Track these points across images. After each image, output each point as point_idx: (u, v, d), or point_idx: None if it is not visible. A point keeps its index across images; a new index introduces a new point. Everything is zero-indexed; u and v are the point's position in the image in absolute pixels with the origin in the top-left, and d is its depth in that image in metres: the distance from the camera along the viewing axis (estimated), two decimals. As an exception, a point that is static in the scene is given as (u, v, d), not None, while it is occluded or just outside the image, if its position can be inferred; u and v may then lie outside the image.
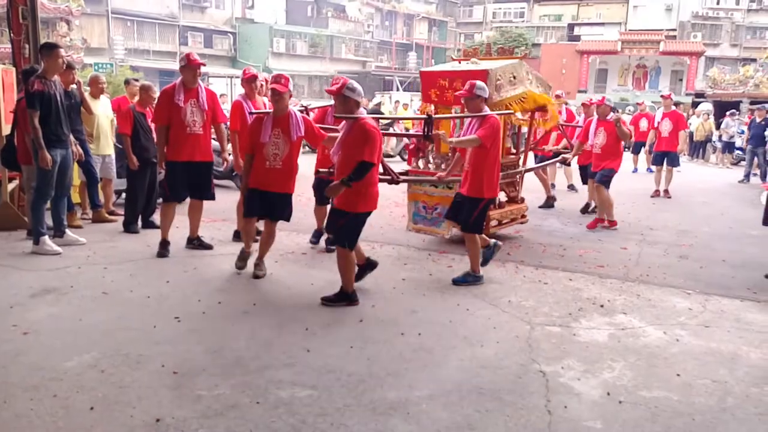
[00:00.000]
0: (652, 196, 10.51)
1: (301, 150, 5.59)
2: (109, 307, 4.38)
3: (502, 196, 7.03)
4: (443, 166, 6.29)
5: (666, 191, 10.61)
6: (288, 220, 5.21)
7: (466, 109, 5.29)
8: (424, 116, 5.59)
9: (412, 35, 49.19)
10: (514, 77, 6.54)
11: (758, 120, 13.20)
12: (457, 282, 5.19)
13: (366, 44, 44.65)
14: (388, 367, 3.53)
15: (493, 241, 5.51)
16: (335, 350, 3.76)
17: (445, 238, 6.65)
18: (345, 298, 4.58)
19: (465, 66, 6.61)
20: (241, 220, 6.52)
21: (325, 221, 4.96)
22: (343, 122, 4.58)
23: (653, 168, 11.20)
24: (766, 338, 4.18)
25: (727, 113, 16.73)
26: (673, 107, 11.07)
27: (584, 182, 9.25)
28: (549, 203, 9.26)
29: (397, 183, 5.80)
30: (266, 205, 5.09)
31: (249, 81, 6.31)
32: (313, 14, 42.59)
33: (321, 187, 5.82)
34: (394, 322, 4.28)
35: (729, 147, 16.83)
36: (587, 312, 4.63)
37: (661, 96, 11.43)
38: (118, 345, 3.70)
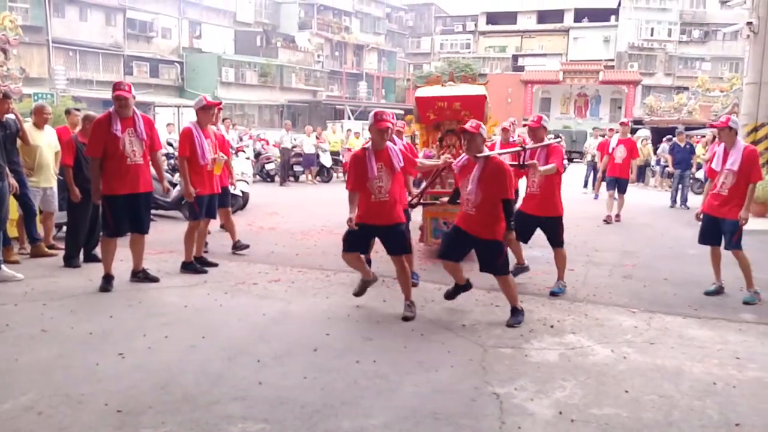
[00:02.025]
0: (605, 221, 10.53)
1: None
2: (48, 345, 4.19)
3: None
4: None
5: (618, 216, 10.69)
6: (406, 251, 5.15)
7: (531, 139, 6.08)
8: (519, 148, 6.12)
9: (362, 65, 49.83)
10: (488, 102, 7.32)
11: (681, 144, 13.54)
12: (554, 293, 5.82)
13: (316, 74, 44.93)
14: (342, 396, 3.48)
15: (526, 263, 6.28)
16: (288, 381, 3.69)
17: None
18: (521, 313, 4.97)
19: (461, 90, 7.33)
20: (190, 250, 6.41)
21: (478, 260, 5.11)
22: (463, 158, 4.95)
23: (598, 197, 11.43)
24: (708, 353, 4.33)
25: (664, 139, 17.44)
26: (628, 135, 11.17)
27: None
28: None
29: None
30: (371, 237, 5.30)
31: (209, 109, 6.24)
32: (262, 44, 42.66)
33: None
34: (349, 349, 4.24)
35: (667, 171, 17.49)
36: (538, 333, 4.70)
37: (620, 123, 11.41)
38: (57, 385, 3.53)
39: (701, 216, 5.98)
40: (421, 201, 6.21)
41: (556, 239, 5.95)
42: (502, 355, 4.22)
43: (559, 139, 6.32)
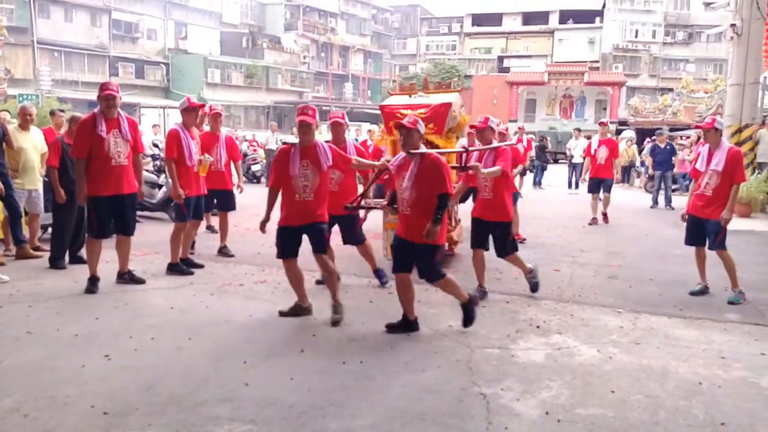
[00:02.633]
0: (590, 224, 10.46)
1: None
2: (34, 347, 4.15)
3: None
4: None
5: (604, 215, 10.61)
6: (324, 251, 4.94)
7: (479, 141, 5.79)
8: (461, 149, 5.90)
9: (348, 66, 49.83)
10: (456, 109, 7.01)
11: (662, 145, 13.64)
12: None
13: (302, 75, 44.86)
14: (329, 397, 3.48)
15: (530, 265, 5.91)
16: (275, 382, 3.68)
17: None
18: (471, 314, 4.76)
19: (427, 99, 7.01)
20: (176, 252, 6.37)
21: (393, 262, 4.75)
22: (399, 157, 4.70)
23: (584, 180, 11.14)
24: (693, 353, 4.37)
25: (646, 140, 17.60)
26: (609, 135, 11.06)
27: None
28: None
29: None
30: (297, 239, 4.93)
31: (193, 110, 6.22)
32: (248, 45, 42.52)
33: (339, 226, 5.84)
34: (336, 350, 4.24)
35: (648, 173, 17.65)
36: (524, 333, 4.72)
37: (599, 123, 11.26)
38: (43, 387, 3.50)
39: (686, 216, 6.04)
40: (362, 205, 5.64)
41: (504, 248, 5.70)
42: (488, 355, 4.24)
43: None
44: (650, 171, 13.98)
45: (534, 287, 5.81)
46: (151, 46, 37.49)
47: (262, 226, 4.90)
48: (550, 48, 48.75)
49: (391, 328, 4.69)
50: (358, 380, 3.75)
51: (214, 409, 3.30)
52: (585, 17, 47.44)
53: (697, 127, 5.88)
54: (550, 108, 41.47)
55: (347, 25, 51.05)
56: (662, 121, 31.68)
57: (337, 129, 5.79)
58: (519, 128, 14.47)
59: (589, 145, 11.06)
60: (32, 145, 6.96)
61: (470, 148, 5.88)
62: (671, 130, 26.12)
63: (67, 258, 6.57)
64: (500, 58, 49.91)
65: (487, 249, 5.75)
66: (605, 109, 39.55)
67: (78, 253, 6.65)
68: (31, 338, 4.32)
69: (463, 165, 5.55)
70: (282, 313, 4.98)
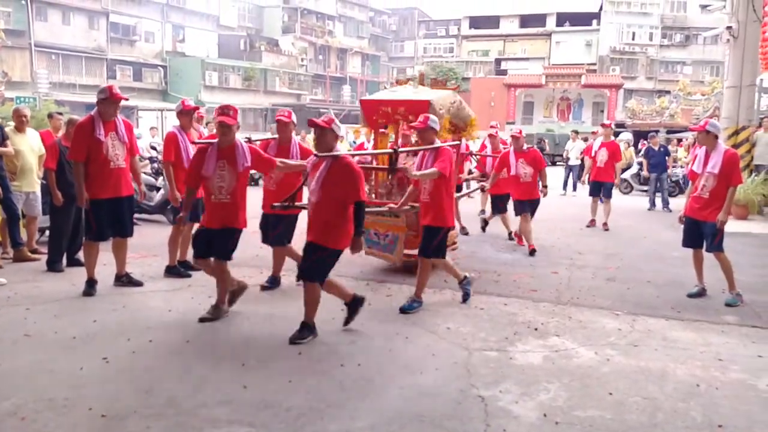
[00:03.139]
0: (588, 226, 10.28)
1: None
2: (32, 349, 4.15)
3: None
4: (391, 196, 6.48)
5: (605, 224, 10.14)
6: (226, 258, 4.85)
7: (419, 141, 5.49)
8: (390, 150, 5.59)
9: (345, 69, 49.87)
10: (442, 107, 6.65)
11: (655, 148, 13.60)
12: (404, 310, 5.23)
13: (300, 77, 44.86)
14: (327, 399, 3.48)
15: (464, 274, 5.66)
16: (273, 385, 3.68)
17: (396, 265, 6.62)
18: (310, 330, 4.47)
19: (407, 94, 6.78)
20: (174, 254, 6.37)
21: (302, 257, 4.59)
22: (311, 159, 4.55)
23: (584, 182, 11.05)
24: (691, 355, 4.38)
25: (642, 142, 17.63)
26: (612, 137, 10.71)
27: (496, 212, 9.23)
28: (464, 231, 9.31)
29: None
30: (210, 240, 4.83)
31: (187, 113, 6.22)
32: (246, 48, 42.54)
33: (270, 225, 5.76)
34: (334, 352, 4.24)
35: (642, 175, 17.67)
36: (522, 335, 4.73)
37: (601, 125, 10.98)
38: (41, 390, 3.50)
39: (683, 219, 6.05)
40: (289, 204, 5.21)
41: (426, 248, 5.36)
42: (486, 357, 4.25)
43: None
44: (645, 173, 13.99)
45: (465, 296, 5.62)
46: (149, 48, 37.46)
47: (181, 219, 5.03)
48: (548, 50, 48.85)
49: (347, 320, 4.74)
50: (357, 382, 3.75)
51: (213, 412, 3.30)
52: (582, 20, 47.56)
53: (690, 129, 5.89)
54: (547, 110, 41.49)
55: (345, 28, 51.09)
56: (659, 123, 31.72)
57: (283, 128, 5.61)
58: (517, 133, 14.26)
59: (590, 146, 10.90)
60: (29, 147, 6.95)
61: (400, 149, 5.69)
62: (668, 132, 26.21)
63: (64, 261, 6.56)
64: (498, 61, 50.01)
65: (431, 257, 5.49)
66: (602, 111, 39.59)
67: (75, 255, 6.64)
68: (29, 341, 4.32)
69: (391, 167, 5.40)
70: (203, 319, 4.82)
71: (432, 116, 5.35)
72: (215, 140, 4.80)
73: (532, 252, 7.94)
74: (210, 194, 4.73)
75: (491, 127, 11.31)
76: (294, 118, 5.70)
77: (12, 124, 6.99)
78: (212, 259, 4.89)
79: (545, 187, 8.26)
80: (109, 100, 5.46)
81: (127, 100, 5.65)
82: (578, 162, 16.78)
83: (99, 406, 3.31)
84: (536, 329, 4.88)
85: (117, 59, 35.36)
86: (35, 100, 23.49)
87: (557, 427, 3.25)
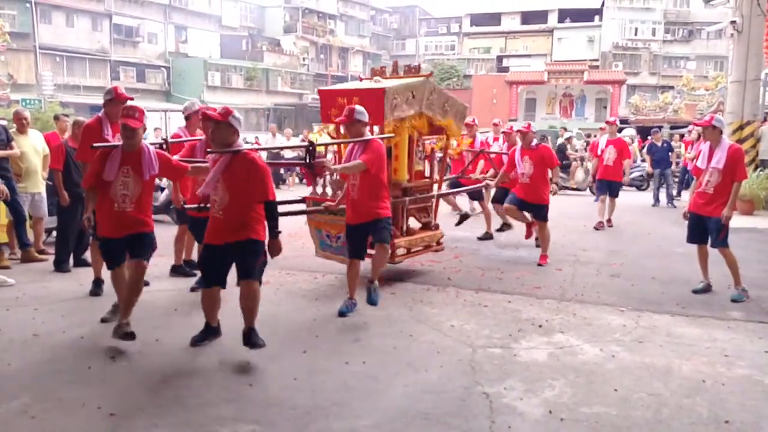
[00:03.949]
0: (595, 228, 9.84)
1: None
2: (40, 349, 4.19)
3: (413, 223, 6.81)
4: (339, 193, 5.95)
5: (609, 220, 10.01)
6: (146, 258, 4.44)
7: (348, 134, 5.23)
8: (306, 144, 5.12)
9: (347, 68, 49.82)
10: (413, 96, 6.10)
11: (658, 144, 13.58)
12: (342, 313, 5.07)
13: (302, 77, 44.87)
14: (333, 397, 3.50)
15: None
16: (278, 383, 3.70)
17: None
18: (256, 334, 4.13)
19: (364, 84, 6.34)
20: (180, 254, 6.40)
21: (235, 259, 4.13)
22: (210, 156, 4.17)
23: (598, 197, 10.54)
24: (696, 351, 4.37)
25: (649, 138, 17.59)
26: (618, 135, 10.44)
27: (494, 201, 8.48)
28: (486, 235, 8.89)
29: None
30: (122, 248, 4.41)
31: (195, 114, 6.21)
32: (247, 48, 42.60)
33: (194, 226, 5.50)
34: (338, 351, 4.26)
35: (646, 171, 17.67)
36: (527, 332, 4.73)
37: (607, 122, 10.72)
38: (50, 389, 3.53)
39: (687, 215, 6.05)
40: (203, 205, 4.58)
41: (380, 239, 5.04)
42: (491, 354, 4.26)
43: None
44: (649, 169, 13.94)
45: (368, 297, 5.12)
46: (152, 50, 37.52)
47: (87, 222, 4.40)
48: (550, 47, 48.70)
49: (196, 340, 4.30)
50: (361, 380, 3.77)
51: (219, 410, 3.32)
52: (584, 16, 47.41)
53: (695, 124, 5.84)
54: (550, 107, 41.42)
55: (346, 27, 51.07)
56: (663, 119, 31.64)
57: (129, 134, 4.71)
58: (510, 128, 13.81)
59: (596, 145, 10.52)
60: (32, 148, 7.01)
61: (319, 143, 5.35)
62: (672, 127, 26.14)
63: (71, 261, 6.60)
64: (499, 58, 49.89)
65: (362, 258, 5.23)
66: (606, 107, 39.51)
67: (82, 256, 6.68)
68: (38, 340, 4.36)
69: (309, 162, 4.91)
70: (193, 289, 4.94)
71: (359, 107, 5.03)
72: (121, 144, 4.37)
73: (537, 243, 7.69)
74: (112, 203, 4.29)
75: (494, 125, 11.29)
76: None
77: (14, 126, 7.02)
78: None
79: (555, 184, 7.67)
80: (115, 100, 5.48)
81: (132, 99, 5.66)
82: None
83: (107, 404, 3.34)
84: (540, 326, 4.89)
85: (120, 60, 35.43)
86: (40, 102, 23.58)
87: (562, 423, 3.26)
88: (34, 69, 30.29)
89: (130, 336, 4.17)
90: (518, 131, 7.62)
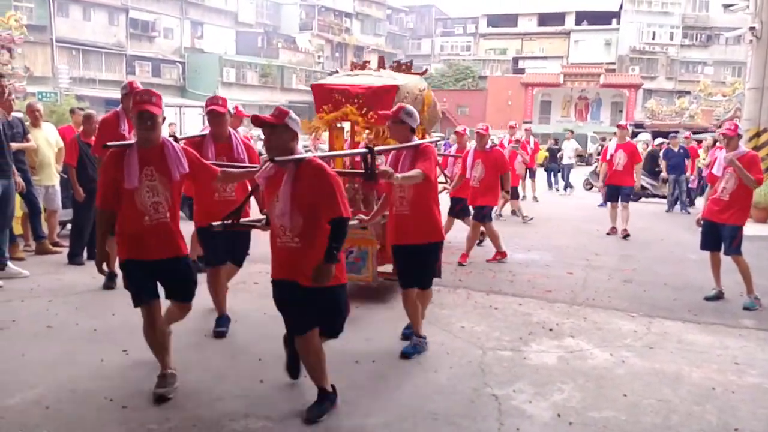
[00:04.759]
0: (608, 234, 9.66)
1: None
2: (54, 341, 4.24)
3: None
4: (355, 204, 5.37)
5: (624, 230, 9.44)
6: (191, 298, 3.65)
7: (390, 134, 4.37)
8: (364, 149, 4.03)
9: (362, 66, 49.86)
10: (417, 97, 5.69)
11: (675, 149, 13.44)
12: (408, 354, 4.19)
13: (317, 75, 44.94)
14: (343, 396, 3.51)
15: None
16: (289, 380, 3.73)
17: (372, 287, 5.76)
18: (330, 400, 3.37)
19: (368, 79, 5.59)
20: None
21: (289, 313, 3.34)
22: (267, 165, 3.23)
23: (607, 204, 10.27)
24: (707, 358, 4.35)
25: (655, 143, 17.46)
26: (628, 139, 10.12)
27: (450, 214, 8.07)
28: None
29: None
30: (153, 276, 3.50)
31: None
32: (263, 45, 42.76)
33: (211, 246, 4.50)
34: (348, 350, 4.26)
35: (661, 177, 17.56)
36: (537, 336, 4.73)
37: (617, 126, 10.33)
38: (63, 380, 3.58)
39: (701, 222, 6.01)
40: (233, 222, 3.72)
41: (424, 276, 4.25)
42: (500, 357, 4.26)
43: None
44: (664, 175, 13.83)
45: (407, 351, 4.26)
46: (168, 45, 37.79)
47: (100, 267, 3.62)
48: (566, 49, 48.49)
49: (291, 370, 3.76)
50: (371, 379, 3.79)
51: (230, 405, 3.36)
52: (601, 19, 47.16)
53: (722, 134, 5.71)
54: (565, 110, 41.28)
55: (362, 26, 51.15)
56: (679, 124, 31.40)
57: (217, 120, 4.44)
58: (526, 130, 13.74)
59: (606, 149, 10.30)
60: (45, 141, 7.09)
61: (378, 147, 4.26)
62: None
63: (85, 254, 6.67)
64: (515, 60, 49.75)
65: (410, 285, 4.29)
66: (621, 111, 39.30)
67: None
68: (52, 332, 4.41)
69: (369, 171, 3.80)
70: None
71: (408, 107, 4.20)
72: (132, 142, 3.49)
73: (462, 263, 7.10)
74: (141, 216, 3.36)
75: (510, 127, 11.27)
76: (231, 107, 4.55)
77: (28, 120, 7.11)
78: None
79: (507, 192, 7.59)
80: (130, 95, 5.52)
81: (246, 116, 5.66)
82: (571, 161, 16.77)
83: (119, 397, 3.39)
84: (551, 330, 4.88)
85: (136, 55, 35.71)
86: (56, 95, 23.79)
87: (571, 427, 3.26)
88: (51, 62, 30.58)
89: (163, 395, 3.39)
90: (476, 133, 7.26)
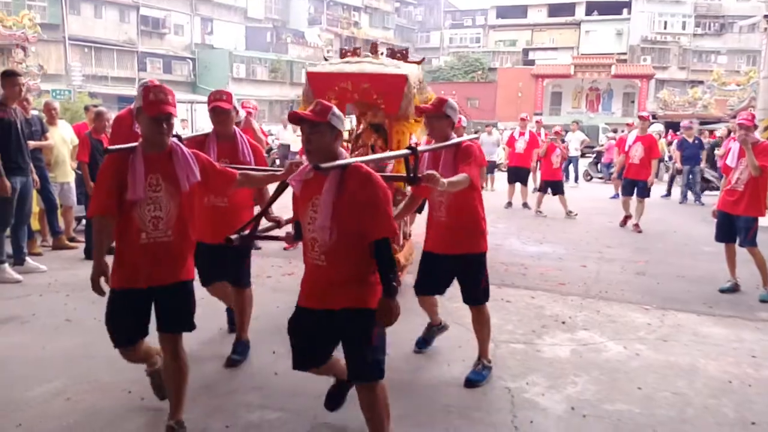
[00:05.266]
0: (621, 224, 9.50)
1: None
2: (73, 334, 4.31)
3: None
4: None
5: (636, 225, 9.28)
6: (191, 329, 3.11)
7: (429, 130, 3.87)
8: (407, 150, 3.27)
9: (372, 60, 49.79)
10: (414, 84, 5.31)
11: (689, 140, 13.33)
12: (474, 381, 3.74)
13: (326, 69, 44.97)
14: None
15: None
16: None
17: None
18: None
19: (370, 67, 5.26)
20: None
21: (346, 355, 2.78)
22: (305, 169, 2.75)
23: (620, 195, 10.05)
24: (723, 351, 4.33)
25: (678, 133, 17.32)
26: (649, 131, 9.65)
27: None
28: None
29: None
30: (147, 307, 2.98)
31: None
32: (272, 40, 42.80)
33: (216, 257, 3.86)
34: (362, 343, 4.30)
35: (675, 167, 17.44)
36: (550, 329, 4.73)
37: (639, 116, 9.89)
38: (83, 373, 3.64)
39: (716, 213, 5.97)
40: (254, 235, 3.49)
41: (474, 290, 3.81)
42: (513, 350, 4.27)
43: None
44: (678, 165, 13.71)
45: (422, 344, 4.26)
46: (178, 41, 37.93)
47: (96, 284, 2.99)
48: (577, 40, 48.08)
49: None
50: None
51: (246, 397, 3.40)
52: (612, 8, 46.69)
53: (740, 125, 5.64)
54: (576, 101, 40.99)
55: (370, 19, 51.01)
56: (692, 115, 31.08)
57: (221, 118, 3.87)
58: (537, 122, 13.53)
59: (623, 141, 10.02)
60: (61, 138, 7.18)
61: (420, 147, 3.63)
62: (701, 123, 25.66)
63: (101, 250, 6.73)
64: (525, 51, 49.43)
65: (441, 293, 4.05)
66: (633, 102, 38.99)
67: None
68: (70, 326, 4.48)
69: (412, 174, 3.21)
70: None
71: (451, 101, 3.76)
72: (135, 144, 2.94)
73: None
74: (139, 231, 2.89)
75: (521, 119, 11.19)
76: (236, 101, 4.06)
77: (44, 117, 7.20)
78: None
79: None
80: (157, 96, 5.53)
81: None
82: (577, 153, 16.66)
83: (138, 389, 3.44)
84: (564, 323, 4.88)
85: (147, 52, 35.88)
86: (70, 93, 24.00)
87: (584, 420, 3.27)
88: (64, 60, 30.81)
89: None
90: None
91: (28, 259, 5.97)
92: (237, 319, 4.12)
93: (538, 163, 12.45)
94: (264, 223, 3.58)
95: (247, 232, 3.36)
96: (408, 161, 3.23)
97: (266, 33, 42.96)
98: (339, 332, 2.74)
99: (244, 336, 4.07)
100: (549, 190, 10.63)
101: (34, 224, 6.87)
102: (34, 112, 6.55)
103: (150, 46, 36.07)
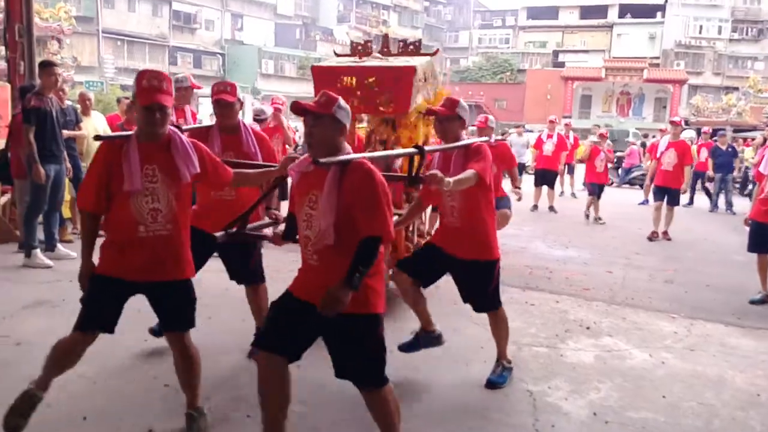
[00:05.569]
0: (649, 238, 9.00)
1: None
2: (99, 322, 4.37)
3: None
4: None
5: (665, 233, 9.03)
6: (190, 326, 3.04)
7: (439, 132, 3.68)
8: (413, 149, 3.25)
9: (400, 59, 49.83)
10: (425, 79, 5.00)
11: (723, 147, 13.09)
12: (495, 383, 3.67)
13: (355, 67, 45.14)
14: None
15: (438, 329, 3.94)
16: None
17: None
18: None
19: (382, 62, 4.99)
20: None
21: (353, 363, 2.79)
22: (304, 161, 2.65)
23: (649, 201, 9.77)
24: (751, 363, 4.24)
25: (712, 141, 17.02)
26: (682, 137, 9.41)
27: None
28: None
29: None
30: (123, 300, 2.94)
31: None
32: (301, 37, 43.09)
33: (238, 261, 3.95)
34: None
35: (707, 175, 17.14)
36: (574, 334, 4.68)
37: (671, 122, 9.70)
38: (108, 357, 3.69)
39: (749, 222, 5.85)
40: (243, 232, 3.36)
41: (484, 298, 3.72)
42: (536, 353, 4.23)
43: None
44: (710, 173, 13.45)
45: (409, 347, 3.92)
46: (209, 36, 38.41)
47: (84, 281, 2.93)
48: (608, 43, 47.48)
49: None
50: (402, 370, 3.79)
51: (268, 390, 3.41)
52: (645, 11, 46.02)
53: None
54: (606, 105, 40.44)
55: (399, 18, 51.02)
56: (726, 122, 30.46)
57: (225, 111, 3.75)
58: (566, 125, 13.16)
59: (655, 147, 9.75)
60: (94, 129, 7.29)
61: (428, 147, 3.59)
62: (735, 131, 25.17)
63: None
64: (555, 53, 48.97)
65: (422, 282, 3.78)
66: (665, 107, 38.34)
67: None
68: (97, 314, 4.55)
69: (415, 174, 3.17)
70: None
71: (462, 101, 3.63)
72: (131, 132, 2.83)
73: None
74: (136, 224, 2.75)
75: (550, 122, 11.09)
76: (240, 93, 3.97)
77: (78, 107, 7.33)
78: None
79: (518, 188, 7.05)
80: (190, 89, 5.53)
81: (200, 88, 5.80)
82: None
83: (162, 375, 3.48)
84: (588, 328, 4.82)
85: (178, 46, 36.42)
86: (102, 85, 24.45)
87: (607, 426, 3.23)
88: (97, 52, 31.44)
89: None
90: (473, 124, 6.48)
91: (59, 245, 6.09)
92: (256, 316, 4.03)
93: (566, 166, 12.34)
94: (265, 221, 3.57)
95: (234, 229, 3.26)
96: (412, 160, 3.10)
97: (295, 30, 43.26)
98: (328, 333, 2.69)
99: None
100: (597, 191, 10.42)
101: (66, 212, 7.00)
102: (69, 103, 6.67)
103: (181, 41, 36.59)
